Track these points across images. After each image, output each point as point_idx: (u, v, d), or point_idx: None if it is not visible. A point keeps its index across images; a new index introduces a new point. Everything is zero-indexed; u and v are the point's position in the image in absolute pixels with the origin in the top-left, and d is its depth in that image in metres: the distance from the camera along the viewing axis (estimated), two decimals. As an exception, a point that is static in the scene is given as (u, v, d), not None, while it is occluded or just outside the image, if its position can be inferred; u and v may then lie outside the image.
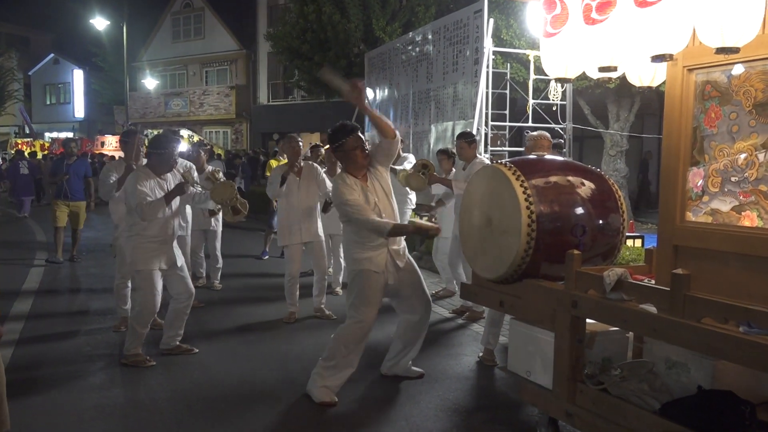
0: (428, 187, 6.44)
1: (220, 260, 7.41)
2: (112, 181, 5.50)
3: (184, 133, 23.88)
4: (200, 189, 5.16)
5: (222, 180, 5.86)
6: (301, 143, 6.19)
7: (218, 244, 7.35)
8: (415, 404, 4.00)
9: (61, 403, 3.98)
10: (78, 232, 9.44)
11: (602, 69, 3.07)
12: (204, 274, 7.50)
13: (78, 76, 35.64)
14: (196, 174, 6.25)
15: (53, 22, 37.28)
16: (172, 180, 4.81)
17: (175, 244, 4.80)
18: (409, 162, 7.84)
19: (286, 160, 9.29)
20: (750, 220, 2.80)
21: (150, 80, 30.15)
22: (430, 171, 6.32)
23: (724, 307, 2.46)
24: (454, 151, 6.64)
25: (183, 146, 6.36)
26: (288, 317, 5.93)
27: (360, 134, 3.98)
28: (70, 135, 33.95)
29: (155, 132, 25.34)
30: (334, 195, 4.02)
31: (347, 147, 3.93)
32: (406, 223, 4.03)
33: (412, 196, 7.61)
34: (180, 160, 6.15)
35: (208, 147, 17.30)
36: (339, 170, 6.36)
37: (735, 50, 2.51)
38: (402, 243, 4.18)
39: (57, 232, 9.26)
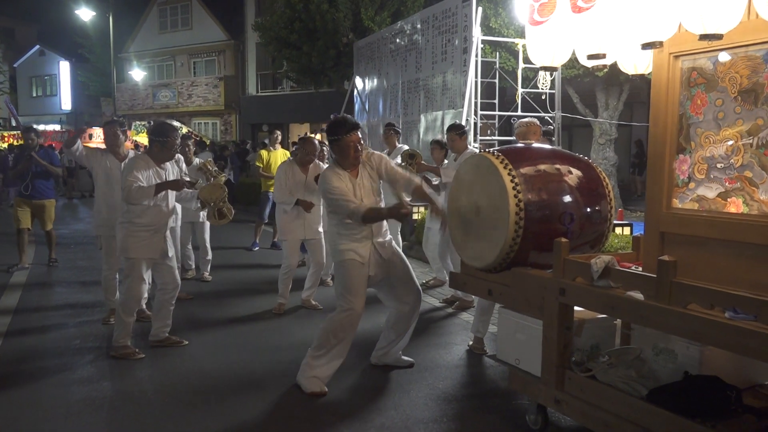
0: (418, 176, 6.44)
1: (210, 252, 7.41)
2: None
3: (175, 124, 23.73)
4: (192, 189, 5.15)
5: (215, 172, 5.82)
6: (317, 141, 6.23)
7: (207, 236, 7.34)
8: (405, 393, 4.01)
9: (49, 396, 3.95)
10: (51, 234, 8.25)
11: (591, 57, 3.07)
12: (193, 266, 7.49)
13: (64, 68, 35.27)
14: (184, 166, 6.23)
15: (38, 14, 36.86)
16: (171, 169, 4.80)
17: (167, 234, 4.78)
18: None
19: (276, 151, 9.33)
20: (735, 206, 2.82)
21: (137, 71, 29.89)
22: (417, 160, 6.32)
23: (710, 293, 2.48)
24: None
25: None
26: (277, 308, 5.93)
27: (359, 133, 3.98)
28: (57, 127, 33.67)
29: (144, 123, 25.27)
30: (321, 183, 4.02)
31: (343, 143, 3.92)
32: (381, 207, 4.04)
33: None
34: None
35: (197, 138, 17.20)
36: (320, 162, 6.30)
37: (718, 37, 2.51)
38: (387, 236, 4.18)
39: (19, 235, 7.99)
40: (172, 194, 4.79)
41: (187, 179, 5.00)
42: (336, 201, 3.90)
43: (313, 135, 8.15)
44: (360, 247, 4.00)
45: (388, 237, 4.20)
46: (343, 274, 4.02)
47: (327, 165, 4.75)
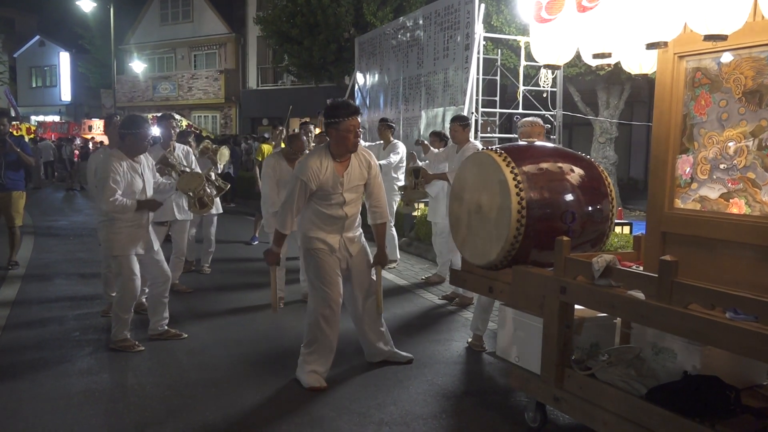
0: (427, 192, 6.54)
1: (213, 245, 7.44)
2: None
3: (175, 117, 23.65)
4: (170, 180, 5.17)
5: (214, 148, 5.81)
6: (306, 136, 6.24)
7: (213, 230, 7.40)
8: (404, 389, 4.02)
9: (48, 388, 3.96)
10: (16, 233, 7.49)
11: (596, 56, 3.07)
12: (193, 259, 7.49)
13: (64, 59, 35.18)
14: (193, 159, 6.23)
15: (39, 4, 36.68)
16: (145, 162, 4.74)
17: (151, 228, 4.76)
18: (397, 153, 7.80)
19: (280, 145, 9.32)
20: (738, 207, 2.82)
21: (138, 63, 29.83)
22: (423, 175, 6.32)
23: (711, 293, 2.48)
24: (447, 134, 6.66)
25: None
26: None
27: (359, 119, 3.86)
28: (56, 118, 33.61)
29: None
30: (299, 163, 3.96)
31: (342, 127, 3.80)
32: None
33: (400, 177, 7.65)
34: (178, 146, 6.14)
35: (196, 132, 17.20)
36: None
37: (722, 38, 2.51)
38: (357, 231, 4.15)
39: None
40: (150, 187, 4.72)
41: (168, 182, 4.98)
42: (289, 194, 3.86)
43: (305, 126, 8.12)
44: (329, 237, 3.98)
45: (359, 232, 4.17)
46: (313, 264, 3.98)
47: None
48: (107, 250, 4.66)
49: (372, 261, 4.15)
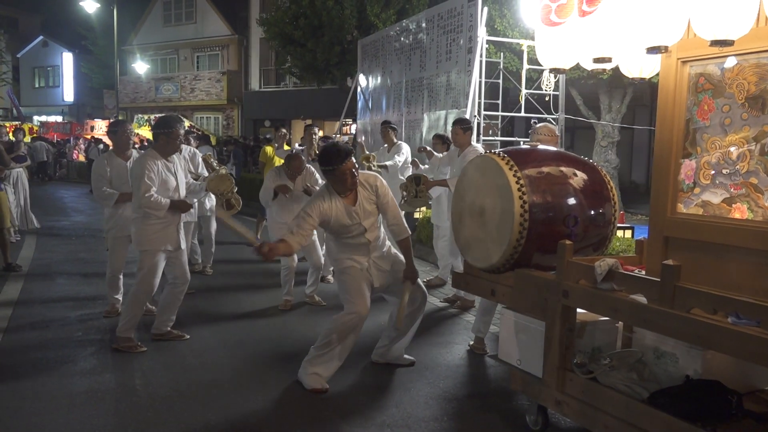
0: (429, 196, 6.50)
1: (214, 245, 7.46)
2: (109, 191, 5.34)
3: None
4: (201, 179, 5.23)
5: (216, 165, 5.86)
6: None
7: (213, 230, 7.43)
8: (406, 391, 4.03)
9: (51, 387, 3.97)
10: (3, 233, 7.28)
11: (597, 60, 3.08)
12: (199, 260, 7.51)
13: (67, 60, 35.24)
14: (200, 160, 6.26)
15: (42, 4, 36.73)
16: (177, 161, 4.83)
17: (180, 226, 4.80)
18: (402, 154, 7.82)
19: (282, 149, 9.34)
20: (740, 212, 2.83)
21: (140, 64, 29.88)
22: (424, 182, 6.32)
23: (713, 298, 2.49)
24: (450, 137, 6.67)
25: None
26: (284, 304, 5.95)
27: (353, 158, 3.96)
28: (59, 119, 33.68)
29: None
30: (309, 202, 4.06)
31: (339, 172, 3.91)
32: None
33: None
34: (185, 147, 6.16)
35: (198, 132, 17.23)
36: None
37: (729, 43, 2.52)
38: (384, 248, 4.19)
39: None
40: (183, 186, 4.81)
41: (198, 182, 5.06)
42: (297, 226, 3.92)
43: (310, 128, 8.12)
44: (358, 257, 4.07)
45: (386, 246, 4.22)
46: (344, 281, 4.07)
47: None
48: (136, 244, 4.71)
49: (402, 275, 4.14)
